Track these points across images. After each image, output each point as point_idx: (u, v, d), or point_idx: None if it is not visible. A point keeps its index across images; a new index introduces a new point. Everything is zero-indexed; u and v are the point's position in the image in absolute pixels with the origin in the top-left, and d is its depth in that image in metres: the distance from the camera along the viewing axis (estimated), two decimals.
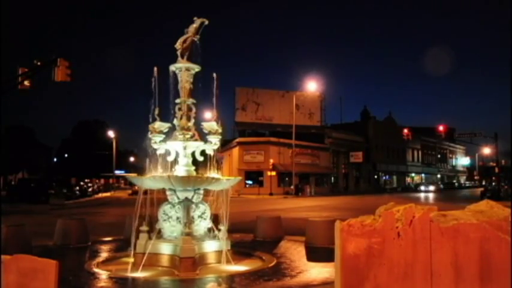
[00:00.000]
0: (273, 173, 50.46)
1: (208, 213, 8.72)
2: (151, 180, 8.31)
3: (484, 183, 77.54)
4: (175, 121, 8.85)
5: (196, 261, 7.82)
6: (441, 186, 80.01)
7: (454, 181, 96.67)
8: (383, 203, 4.05)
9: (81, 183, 52.09)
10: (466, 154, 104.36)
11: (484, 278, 3.57)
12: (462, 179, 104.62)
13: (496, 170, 56.44)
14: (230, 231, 8.84)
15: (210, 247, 8.30)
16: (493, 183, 58.62)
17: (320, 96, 60.63)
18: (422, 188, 71.23)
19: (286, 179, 52.88)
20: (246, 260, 8.90)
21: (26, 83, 23.86)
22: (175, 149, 8.83)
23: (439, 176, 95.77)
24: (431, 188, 70.51)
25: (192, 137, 8.80)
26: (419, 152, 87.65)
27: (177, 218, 8.42)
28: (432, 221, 3.71)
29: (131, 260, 8.26)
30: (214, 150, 8.92)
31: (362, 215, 3.95)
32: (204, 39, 9.03)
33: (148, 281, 7.41)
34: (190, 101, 8.89)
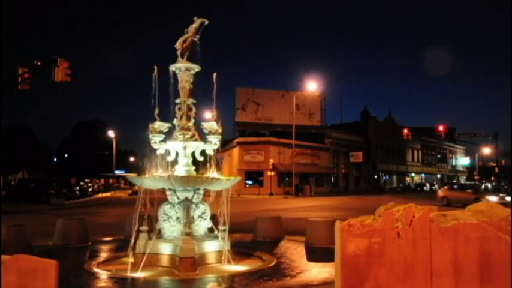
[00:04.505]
0: (273, 173, 50.47)
1: (208, 213, 8.72)
2: (151, 180, 8.32)
3: (484, 183, 77.56)
4: (175, 121, 8.86)
5: (196, 261, 7.82)
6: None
7: (454, 181, 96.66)
8: (383, 203, 4.05)
9: (81, 183, 52.04)
10: (466, 154, 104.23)
11: (484, 278, 3.57)
12: (462, 179, 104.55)
13: (496, 170, 56.49)
14: (230, 231, 8.84)
15: (210, 247, 8.30)
16: (493, 183, 58.68)
17: (320, 96, 60.61)
18: None
19: (286, 179, 52.87)
20: (246, 260, 8.90)
21: (26, 83, 23.86)
22: (175, 149, 8.83)
23: (439, 176, 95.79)
24: None
25: (192, 137, 8.81)
26: (419, 152, 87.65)
27: (177, 218, 8.42)
28: (432, 221, 3.71)
29: (131, 260, 8.25)
30: (214, 150, 8.92)
31: (362, 215, 3.95)
32: (204, 39, 9.04)
33: (148, 281, 7.41)
34: (190, 101, 8.90)
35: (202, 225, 8.65)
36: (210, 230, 8.75)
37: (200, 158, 9.01)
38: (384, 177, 78.78)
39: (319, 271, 7.77)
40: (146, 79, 8.68)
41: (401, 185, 78.46)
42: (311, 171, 57.26)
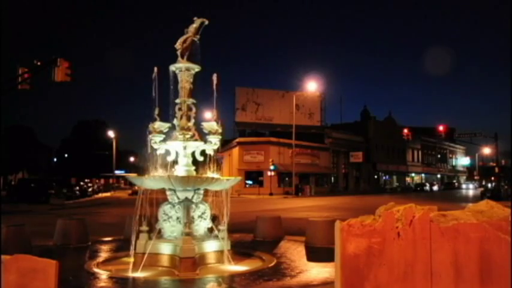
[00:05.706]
0: (273, 173, 50.46)
1: (208, 213, 8.72)
2: (151, 180, 8.31)
3: (483, 183, 77.59)
4: (175, 121, 8.85)
5: (197, 261, 7.82)
6: None
7: (454, 181, 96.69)
8: (383, 203, 4.05)
9: (81, 183, 52.04)
10: (466, 154, 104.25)
11: (484, 278, 3.57)
12: (462, 179, 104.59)
13: (496, 170, 56.47)
14: (230, 231, 8.84)
15: (210, 247, 8.30)
16: (493, 184, 58.64)
17: (320, 96, 60.64)
18: None
19: (286, 179, 52.90)
20: (246, 260, 8.90)
21: (26, 83, 23.84)
22: (175, 149, 8.83)
23: (439, 176, 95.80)
24: None
25: (192, 137, 8.80)
26: (419, 152, 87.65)
27: (177, 218, 8.42)
28: (432, 221, 3.71)
29: (131, 260, 8.26)
30: (214, 150, 8.92)
31: (362, 215, 3.95)
32: (204, 39, 9.04)
33: (149, 281, 7.40)
34: (190, 101, 8.90)
35: (202, 225, 8.64)
36: (210, 230, 8.75)
37: (200, 158, 9.01)
38: (384, 177, 78.80)
39: (319, 271, 7.77)
40: (146, 79, 8.69)
41: (400, 184, 78.79)
42: (311, 171, 57.27)
